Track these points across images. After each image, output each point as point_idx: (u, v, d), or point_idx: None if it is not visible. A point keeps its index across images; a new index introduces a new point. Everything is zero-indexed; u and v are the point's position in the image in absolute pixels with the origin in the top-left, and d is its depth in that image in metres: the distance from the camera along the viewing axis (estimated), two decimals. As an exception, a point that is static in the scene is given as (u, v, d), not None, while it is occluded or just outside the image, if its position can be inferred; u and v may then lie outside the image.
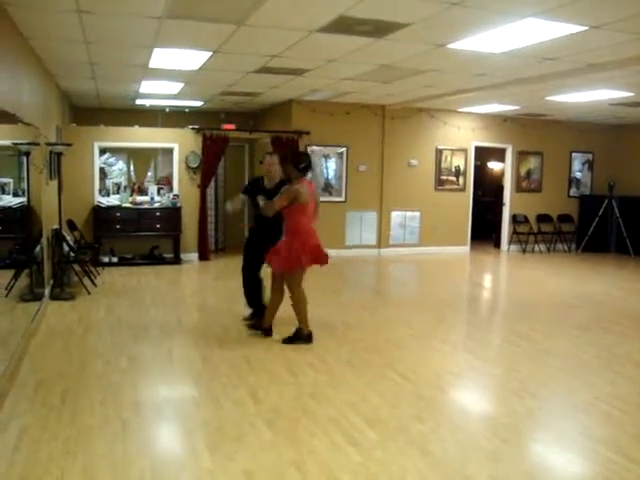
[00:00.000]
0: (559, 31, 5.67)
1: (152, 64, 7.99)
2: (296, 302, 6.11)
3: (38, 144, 6.96)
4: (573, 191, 14.41)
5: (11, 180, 6.40)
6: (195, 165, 11.18)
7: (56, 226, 8.20)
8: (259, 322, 6.39)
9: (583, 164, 14.43)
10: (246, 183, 6.83)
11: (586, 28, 5.53)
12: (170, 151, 11.29)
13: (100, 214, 10.49)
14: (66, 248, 8.37)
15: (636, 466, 3.59)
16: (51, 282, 8.00)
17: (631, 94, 9.39)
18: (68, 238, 8.78)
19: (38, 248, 7.09)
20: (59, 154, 8.26)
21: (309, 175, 6.03)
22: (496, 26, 5.58)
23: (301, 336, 6.08)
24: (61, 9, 5.39)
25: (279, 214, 5.96)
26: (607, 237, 13.94)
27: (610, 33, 5.70)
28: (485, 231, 14.84)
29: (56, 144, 8.37)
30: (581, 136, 14.15)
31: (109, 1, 5.18)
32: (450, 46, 6.44)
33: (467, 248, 13.29)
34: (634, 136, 14.06)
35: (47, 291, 7.63)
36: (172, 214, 10.89)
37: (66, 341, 5.98)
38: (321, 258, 6.09)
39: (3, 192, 6.27)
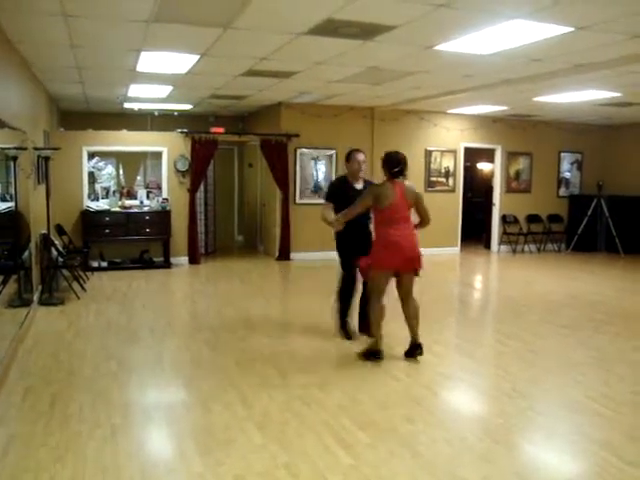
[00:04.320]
0: (546, 32, 5.68)
1: (140, 68, 7.97)
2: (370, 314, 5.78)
3: (26, 149, 6.92)
4: (562, 191, 14.46)
5: (-2, 185, 6.38)
6: (184, 169, 11.14)
7: (44, 231, 8.16)
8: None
9: (572, 164, 14.48)
10: (330, 187, 6.50)
11: (572, 29, 5.55)
12: (159, 155, 11.25)
13: (89, 218, 10.43)
14: (55, 253, 8.33)
15: (628, 465, 3.59)
16: (40, 287, 7.95)
17: (619, 94, 9.43)
18: (57, 243, 8.73)
19: (26, 253, 7.06)
20: (47, 159, 8.23)
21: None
22: (483, 27, 5.59)
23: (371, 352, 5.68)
24: (47, 13, 5.36)
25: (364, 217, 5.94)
26: (596, 236, 13.99)
27: (596, 34, 5.73)
28: (475, 232, 14.86)
29: (44, 149, 8.34)
30: (570, 136, 14.21)
31: (95, 5, 5.17)
32: (437, 48, 6.44)
33: (457, 249, 13.32)
34: (622, 136, 14.14)
35: (36, 296, 7.58)
36: (162, 218, 10.85)
37: (55, 346, 5.94)
38: (403, 267, 5.65)
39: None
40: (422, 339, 5.82)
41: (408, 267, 5.64)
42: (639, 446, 3.88)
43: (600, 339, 6.48)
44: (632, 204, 13.49)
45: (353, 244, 6.14)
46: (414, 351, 5.68)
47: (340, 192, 6.15)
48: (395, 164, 5.50)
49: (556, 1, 4.74)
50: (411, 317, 5.75)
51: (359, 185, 6.18)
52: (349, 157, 6.24)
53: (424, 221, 5.78)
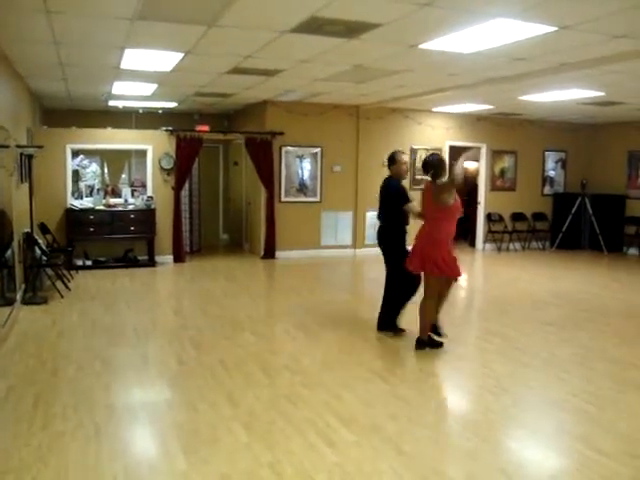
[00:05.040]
0: (529, 32, 5.71)
1: (124, 65, 7.91)
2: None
3: (8, 146, 6.86)
4: (547, 189, 14.54)
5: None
6: (169, 167, 11.10)
7: (27, 229, 8.10)
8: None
9: (556, 163, 14.57)
10: (402, 188, 6.38)
11: (555, 29, 5.58)
12: (144, 153, 11.20)
13: (73, 217, 10.36)
14: (38, 252, 8.27)
15: (610, 460, 3.63)
16: (23, 286, 7.88)
17: (602, 93, 9.49)
18: (40, 242, 8.67)
19: (9, 252, 7.00)
20: (30, 157, 8.16)
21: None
22: (467, 26, 5.60)
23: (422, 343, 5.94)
24: (29, 9, 5.31)
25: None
26: (580, 234, 14.09)
27: (579, 34, 5.76)
28: (460, 230, 14.87)
29: (26, 147, 8.28)
30: (554, 135, 14.29)
31: (78, 1, 5.13)
32: (422, 46, 6.45)
33: (442, 247, 13.34)
34: (606, 135, 14.24)
35: (19, 295, 7.52)
36: (146, 216, 10.80)
37: (38, 346, 5.90)
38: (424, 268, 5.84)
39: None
40: (407, 337, 5.84)
41: (424, 269, 5.84)
42: (619, 441, 3.92)
43: (583, 336, 6.53)
44: (615, 202, 13.63)
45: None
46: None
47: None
48: (428, 168, 5.85)
49: (539, 1, 4.76)
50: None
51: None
52: (395, 159, 6.39)
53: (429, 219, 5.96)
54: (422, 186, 6.39)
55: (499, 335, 6.52)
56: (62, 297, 8.02)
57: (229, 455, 3.64)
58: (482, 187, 13.86)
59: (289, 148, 11.84)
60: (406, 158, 6.50)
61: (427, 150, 12.93)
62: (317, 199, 12.14)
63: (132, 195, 11.23)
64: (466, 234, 14.62)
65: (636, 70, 7.43)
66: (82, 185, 11.13)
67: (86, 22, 5.80)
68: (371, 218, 12.55)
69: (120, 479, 3.33)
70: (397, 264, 6.23)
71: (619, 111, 11.62)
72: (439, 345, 5.97)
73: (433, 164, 5.82)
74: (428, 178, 5.87)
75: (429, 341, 5.94)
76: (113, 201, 11.00)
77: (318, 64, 7.70)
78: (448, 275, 5.84)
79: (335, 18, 5.46)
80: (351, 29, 5.84)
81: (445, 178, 5.86)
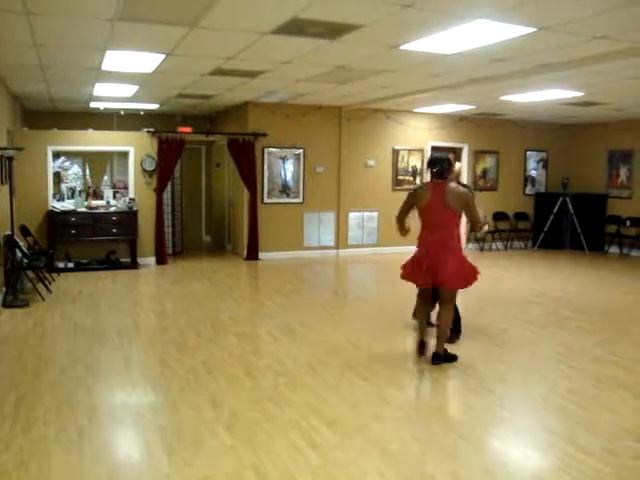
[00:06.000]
0: (509, 33, 5.74)
1: (105, 67, 7.87)
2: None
3: (-12, 149, 6.81)
4: (528, 189, 14.64)
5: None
6: (151, 168, 11.05)
7: (8, 232, 8.03)
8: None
9: (538, 162, 14.67)
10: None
11: (535, 30, 5.62)
12: (126, 154, 11.14)
13: (54, 219, 10.28)
14: (19, 254, 8.20)
15: (590, 458, 3.67)
16: (4, 289, 7.83)
17: (581, 94, 9.57)
18: (21, 244, 8.60)
19: (-11, 255, 6.95)
20: (10, 158, 8.10)
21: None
22: (447, 27, 5.63)
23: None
24: (8, 10, 5.26)
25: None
26: (562, 234, 14.18)
27: (558, 35, 5.80)
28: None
29: (7, 148, 8.21)
30: (536, 135, 14.40)
31: (58, 3, 5.09)
32: (403, 47, 6.47)
33: (425, 247, 13.37)
34: (586, 134, 14.37)
35: (0, 298, 7.46)
36: (128, 218, 10.74)
37: (20, 349, 5.86)
38: (417, 278, 5.52)
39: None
40: (391, 338, 5.84)
41: (427, 281, 5.48)
42: (601, 439, 3.96)
43: (564, 335, 6.58)
44: (596, 202, 13.76)
45: None
46: (433, 359, 5.52)
47: None
48: (432, 164, 5.45)
49: (520, 1, 4.80)
50: (438, 326, 5.62)
51: None
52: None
53: (472, 225, 5.52)
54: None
55: (481, 334, 6.56)
56: (44, 300, 7.96)
57: (212, 457, 3.63)
58: (464, 187, 13.91)
59: (272, 149, 11.82)
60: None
61: (409, 151, 13.01)
62: (300, 200, 12.13)
63: (114, 197, 11.18)
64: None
65: (616, 71, 7.51)
66: (64, 187, 11.08)
67: (66, 23, 5.76)
68: (354, 218, 12.59)
69: (103, 483, 3.32)
70: None
71: (599, 111, 11.73)
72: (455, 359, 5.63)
73: (439, 159, 5.41)
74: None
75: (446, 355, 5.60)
76: (95, 203, 10.94)
77: (300, 65, 7.70)
78: (471, 282, 5.62)
79: (316, 19, 5.47)
80: (333, 30, 5.85)
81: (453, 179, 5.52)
